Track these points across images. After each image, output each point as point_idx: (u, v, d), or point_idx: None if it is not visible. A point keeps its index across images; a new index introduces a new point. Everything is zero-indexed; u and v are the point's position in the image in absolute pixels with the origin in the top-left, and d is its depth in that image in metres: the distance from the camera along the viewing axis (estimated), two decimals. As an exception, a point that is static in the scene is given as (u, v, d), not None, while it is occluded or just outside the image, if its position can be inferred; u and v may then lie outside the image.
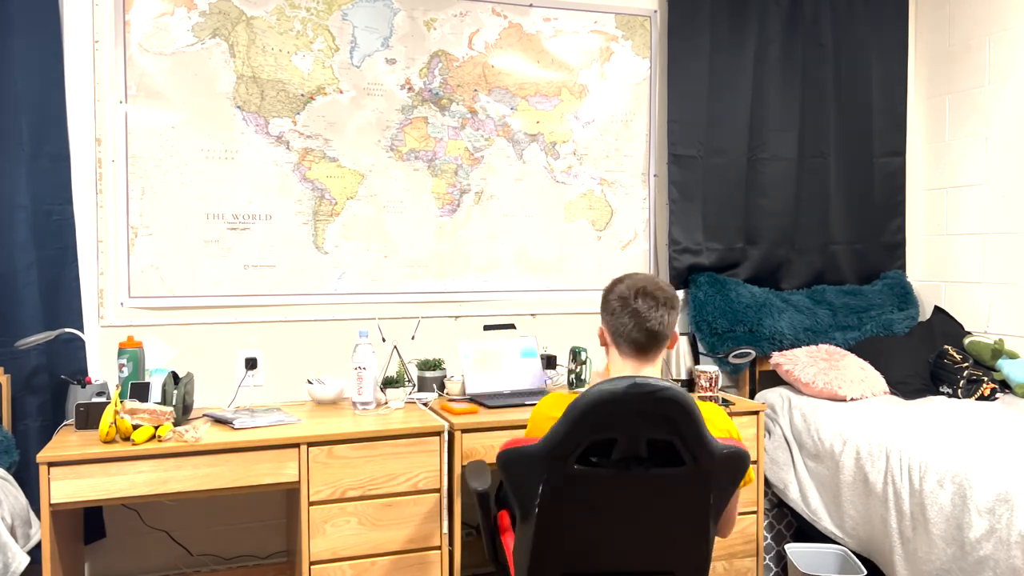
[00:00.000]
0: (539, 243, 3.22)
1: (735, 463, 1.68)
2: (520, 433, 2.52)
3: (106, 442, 2.23)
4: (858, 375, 3.08)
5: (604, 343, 1.89)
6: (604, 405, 1.58)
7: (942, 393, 3.11)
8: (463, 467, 2.40)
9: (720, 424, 1.81)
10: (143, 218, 2.77)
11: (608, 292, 1.87)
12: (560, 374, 3.12)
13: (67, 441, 2.25)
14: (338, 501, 2.38)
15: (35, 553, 2.25)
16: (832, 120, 3.51)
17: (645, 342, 1.80)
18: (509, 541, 2.08)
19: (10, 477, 2.31)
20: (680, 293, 3.42)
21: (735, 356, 3.12)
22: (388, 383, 2.86)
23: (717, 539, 2.75)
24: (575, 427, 1.60)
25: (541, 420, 1.80)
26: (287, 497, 2.80)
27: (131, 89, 2.74)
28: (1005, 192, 3.28)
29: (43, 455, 2.12)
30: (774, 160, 3.44)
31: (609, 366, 1.90)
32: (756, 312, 3.26)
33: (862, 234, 3.59)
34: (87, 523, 2.68)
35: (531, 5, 3.18)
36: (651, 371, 1.86)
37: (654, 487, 1.66)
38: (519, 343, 2.89)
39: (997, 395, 3.02)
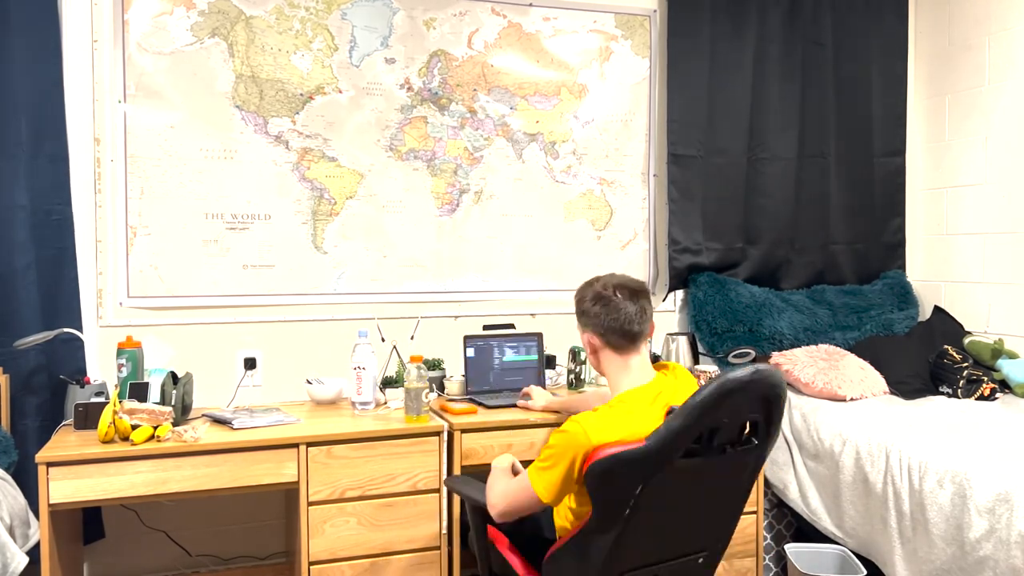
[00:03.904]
0: (539, 243, 3.22)
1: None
2: (521, 433, 2.53)
3: (105, 442, 2.22)
4: (858, 375, 3.08)
5: (593, 350, 1.92)
6: (727, 395, 1.60)
7: (942, 393, 3.11)
8: (449, 478, 2.38)
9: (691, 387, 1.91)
10: (142, 218, 2.76)
11: (582, 298, 1.93)
12: (560, 374, 3.11)
13: (66, 441, 2.25)
14: (337, 501, 2.38)
15: (34, 553, 2.25)
16: (832, 120, 3.51)
17: (636, 332, 1.87)
18: (508, 554, 2.06)
19: (9, 477, 2.31)
20: (680, 293, 3.42)
21: (735, 356, 3.11)
22: (387, 383, 2.86)
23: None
24: (697, 420, 1.60)
25: (577, 447, 1.72)
26: (286, 497, 2.80)
27: (130, 89, 2.74)
28: (1005, 192, 3.28)
29: (42, 455, 2.11)
30: (774, 160, 3.44)
31: (608, 374, 1.92)
32: (756, 312, 3.26)
33: (862, 234, 3.59)
34: (86, 523, 2.68)
35: (531, 4, 3.18)
36: (643, 361, 1.90)
37: (733, 468, 1.72)
38: (519, 342, 2.89)
39: (997, 395, 3.02)
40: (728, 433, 1.66)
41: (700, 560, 1.78)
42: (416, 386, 2.45)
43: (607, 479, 1.62)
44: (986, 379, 3.02)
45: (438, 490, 2.47)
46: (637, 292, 1.89)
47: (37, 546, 2.27)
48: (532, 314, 3.22)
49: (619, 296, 1.87)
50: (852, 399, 3.00)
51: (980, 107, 3.39)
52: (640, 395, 1.79)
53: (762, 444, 1.74)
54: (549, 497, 1.79)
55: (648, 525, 1.67)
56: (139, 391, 2.45)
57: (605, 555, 1.65)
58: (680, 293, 3.42)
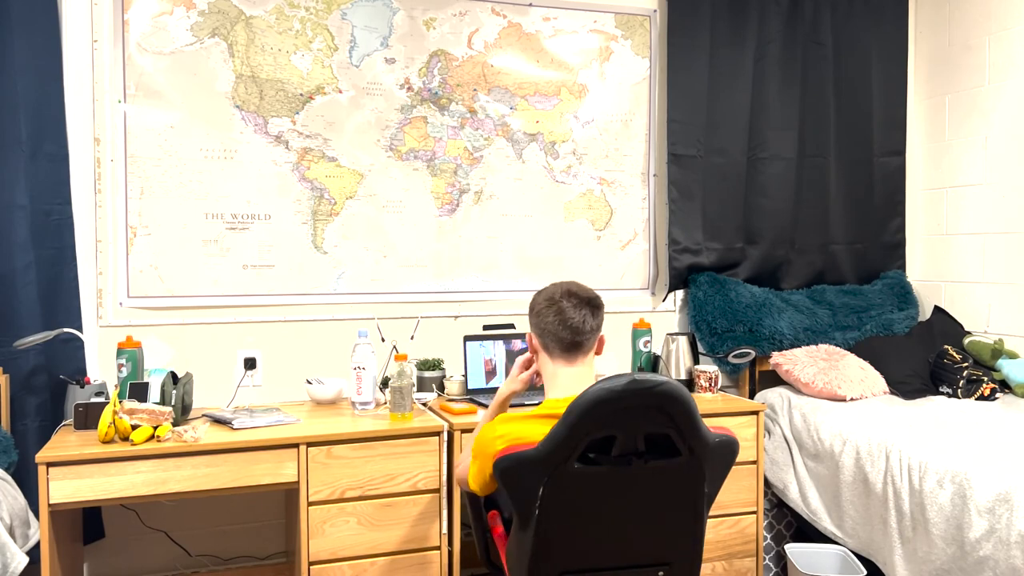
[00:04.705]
0: (538, 243, 3.22)
1: (727, 450, 1.75)
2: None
3: (105, 442, 2.22)
4: (858, 375, 3.08)
5: (533, 350, 1.93)
6: (603, 404, 1.58)
7: (942, 393, 3.11)
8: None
9: None
10: (142, 218, 2.76)
11: (535, 297, 1.92)
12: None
13: (66, 441, 2.25)
14: (337, 501, 2.38)
15: (34, 553, 2.25)
16: (832, 120, 3.51)
17: (571, 340, 1.85)
18: (500, 541, 2.08)
19: (9, 477, 2.31)
20: (680, 293, 3.42)
21: (735, 356, 3.12)
22: (387, 383, 2.86)
23: (716, 538, 2.75)
24: (575, 428, 1.60)
25: (488, 446, 1.75)
26: (286, 497, 2.80)
27: (130, 89, 2.74)
28: (1005, 192, 3.28)
29: (42, 455, 2.11)
30: (774, 160, 3.44)
31: (544, 379, 1.92)
32: (756, 312, 3.26)
33: (862, 234, 3.59)
34: (86, 523, 2.68)
35: (530, 4, 3.18)
36: (584, 372, 1.88)
37: (652, 479, 1.69)
38: (519, 343, 2.89)
39: (997, 395, 3.02)
40: (627, 444, 1.63)
41: (660, 574, 1.78)
42: (401, 384, 2.46)
43: (508, 478, 1.66)
44: (986, 379, 3.02)
45: (438, 490, 2.47)
46: (585, 301, 1.87)
47: (37, 546, 2.27)
48: (532, 314, 3.22)
49: (565, 302, 1.85)
50: (852, 399, 3.00)
51: (980, 107, 3.39)
52: (562, 407, 1.71)
53: (690, 458, 1.68)
54: (473, 485, 1.84)
55: (569, 527, 1.69)
56: (139, 391, 2.45)
57: (531, 551, 1.69)
58: (680, 293, 3.43)
